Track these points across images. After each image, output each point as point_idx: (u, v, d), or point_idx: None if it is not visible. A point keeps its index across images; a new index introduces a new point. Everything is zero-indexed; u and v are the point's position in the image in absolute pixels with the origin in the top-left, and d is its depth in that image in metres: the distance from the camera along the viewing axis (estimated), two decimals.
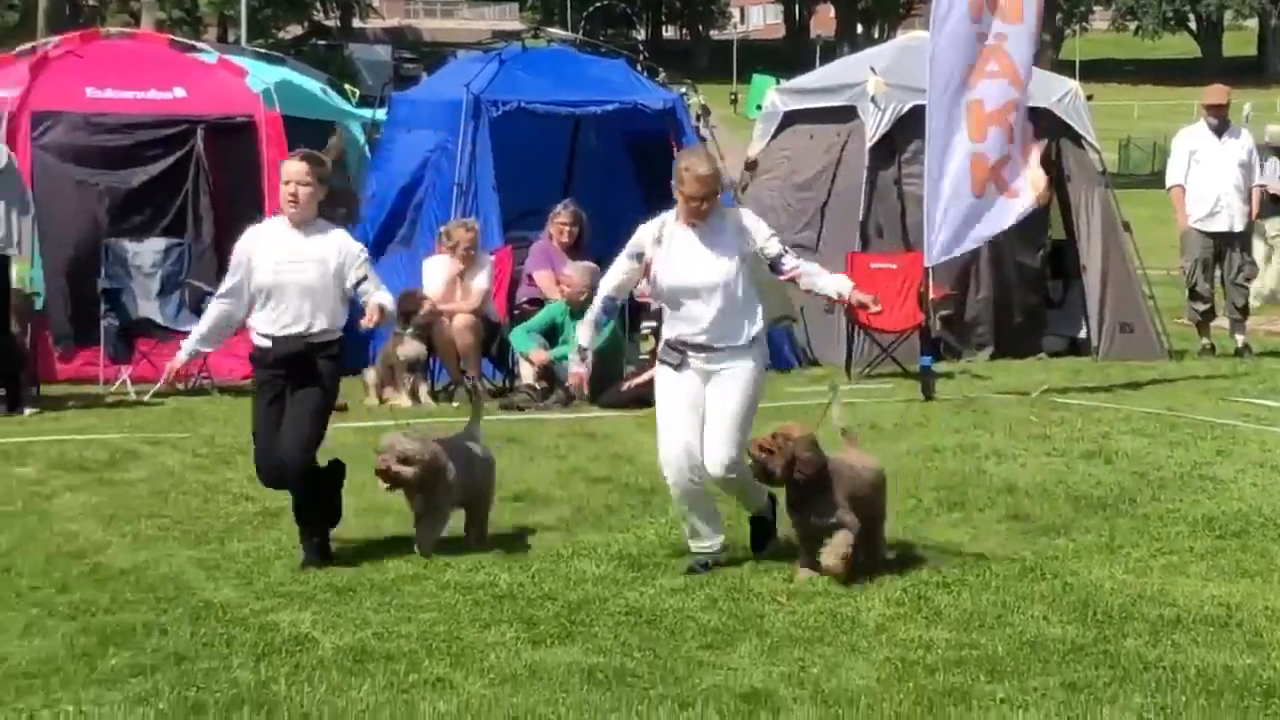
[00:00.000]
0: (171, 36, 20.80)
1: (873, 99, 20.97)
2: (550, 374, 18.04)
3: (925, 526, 12.43)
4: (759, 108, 26.89)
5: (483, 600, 10.47)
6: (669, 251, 10.69)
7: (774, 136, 22.83)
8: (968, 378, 20.10)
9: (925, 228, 18.38)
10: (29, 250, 17.76)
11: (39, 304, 18.73)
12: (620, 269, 10.97)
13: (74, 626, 10.02)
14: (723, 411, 10.78)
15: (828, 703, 8.62)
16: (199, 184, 19.44)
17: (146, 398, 18.28)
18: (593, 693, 8.68)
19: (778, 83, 25.50)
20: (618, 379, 18.32)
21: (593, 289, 18.24)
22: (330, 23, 50.02)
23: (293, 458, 10.98)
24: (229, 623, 9.99)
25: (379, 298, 11.10)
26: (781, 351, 20.45)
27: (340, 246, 11.14)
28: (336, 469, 11.65)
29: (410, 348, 17.87)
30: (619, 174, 21.93)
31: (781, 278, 10.79)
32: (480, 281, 18.37)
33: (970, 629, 9.84)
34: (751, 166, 22.80)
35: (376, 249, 19.43)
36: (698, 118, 21.44)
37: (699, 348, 10.76)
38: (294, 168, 11.10)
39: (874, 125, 21.00)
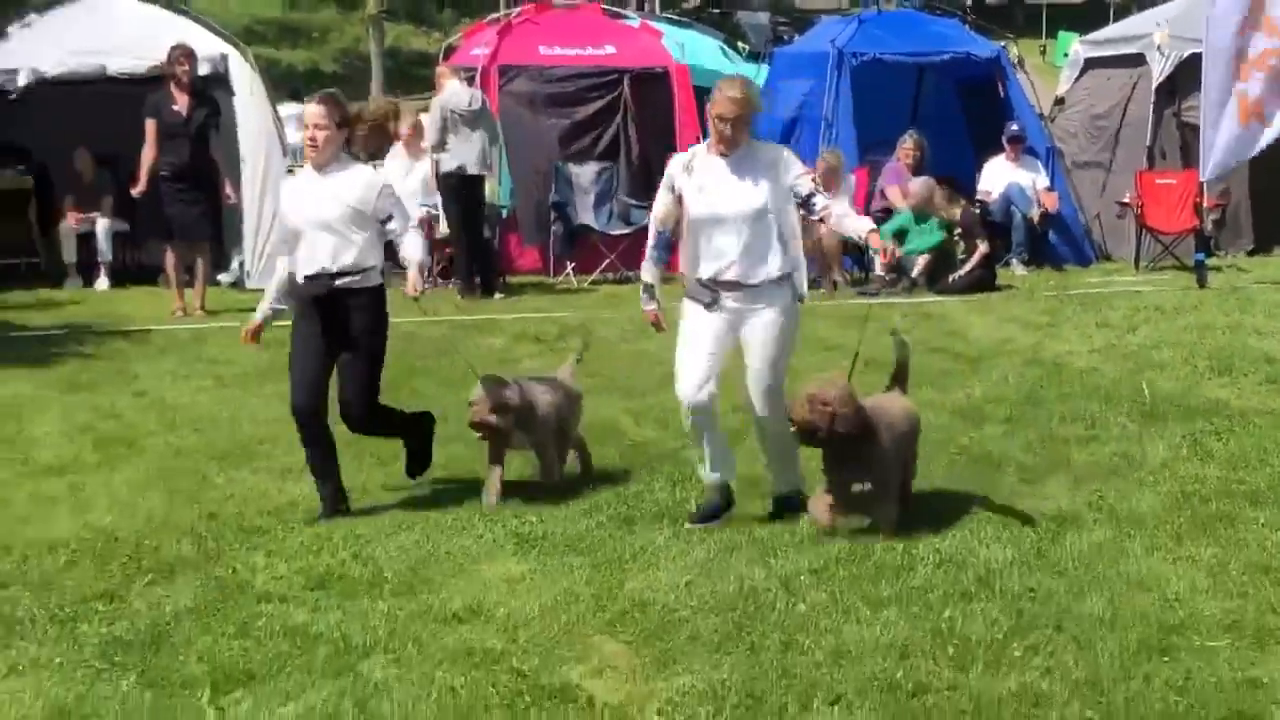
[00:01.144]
0: (604, 6, 21.31)
1: (1158, 48, 20.92)
2: (899, 267, 18.03)
3: (1199, 388, 12.51)
4: (1065, 55, 26.90)
5: None
6: (698, 180, 8.97)
7: (1077, 79, 22.72)
8: (1234, 270, 19.87)
9: (1200, 151, 18.63)
10: (499, 172, 18.50)
11: (505, 213, 19.30)
12: (661, 202, 9.17)
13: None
14: (761, 357, 9.00)
15: (1121, 523, 8.84)
16: (625, 120, 19.87)
17: (584, 285, 18.85)
18: None
19: (1080, 37, 25.39)
20: (950, 270, 18.78)
21: (931, 200, 18.91)
22: None
23: (353, 409, 9.44)
24: (651, 457, 10.53)
25: (414, 252, 9.31)
26: (1082, 248, 20.76)
27: (361, 182, 9.30)
28: (427, 419, 10.08)
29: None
30: (952, 111, 22.03)
31: (812, 217, 9.06)
32: (840, 193, 18.49)
33: (1236, 468, 10.01)
34: (1059, 103, 22.81)
35: None
36: (1016, 64, 21.58)
37: (730, 285, 8.93)
38: (312, 110, 9.30)
39: (1159, 69, 20.88)
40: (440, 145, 17.87)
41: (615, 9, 22.91)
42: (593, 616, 7.55)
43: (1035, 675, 6.71)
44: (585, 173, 19.46)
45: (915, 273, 18.55)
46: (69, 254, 18.96)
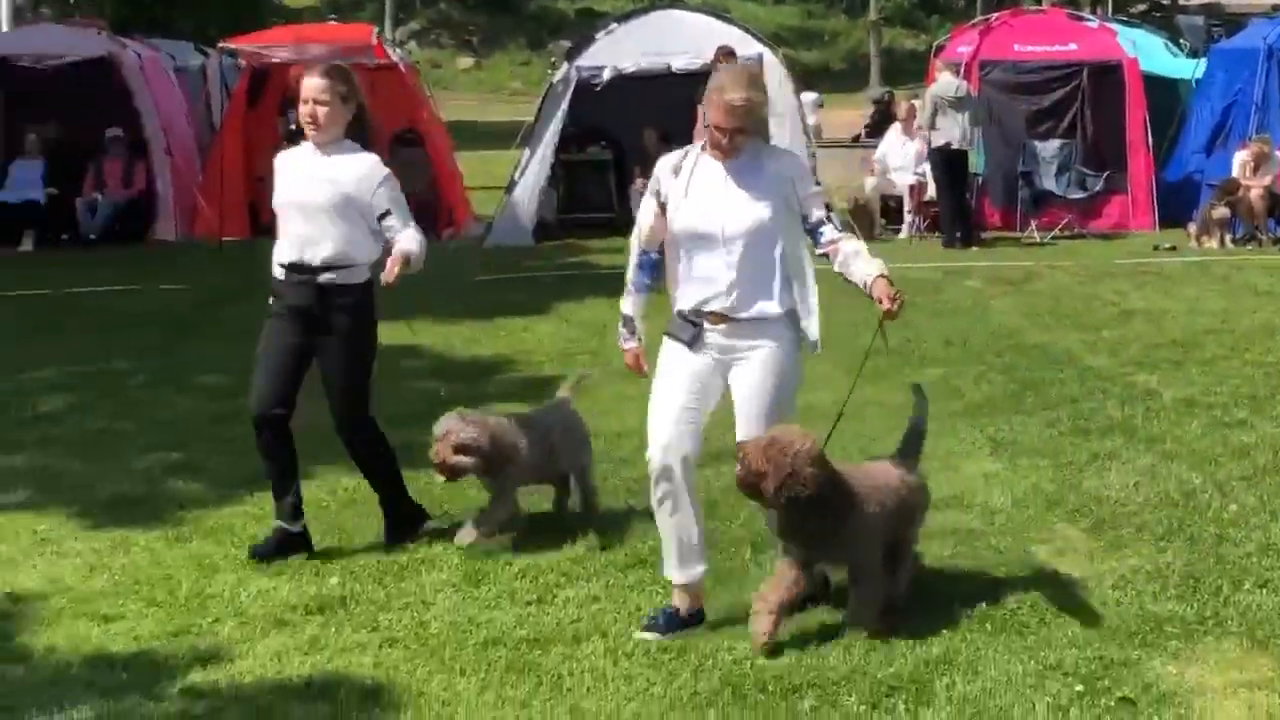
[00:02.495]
0: (1067, 11, 20.76)
1: None
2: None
3: None
4: None
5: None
6: (687, 186, 5.82)
7: None
8: None
9: None
10: (978, 146, 18.29)
11: (980, 180, 18.95)
12: (645, 212, 6.01)
13: (1002, 367, 10.51)
14: (748, 409, 5.82)
15: None
16: (1083, 105, 19.37)
17: (1045, 240, 18.38)
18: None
19: None
20: None
21: None
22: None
23: (341, 420, 6.87)
24: (1101, 379, 10.19)
25: (405, 242, 6.61)
26: None
27: (361, 169, 6.66)
28: (418, 516, 7.16)
29: (1219, 211, 17.64)
30: None
31: (818, 250, 5.84)
32: (1268, 168, 17.76)
33: None
34: None
35: (1207, 150, 19.32)
36: None
37: (718, 317, 5.79)
38: (312, 84, 6.67)
39: None
40: (931, 124, 17.82)
41: (1076, 12, 22.26)
42: (1055, 508, 7.40)
43: None
44: (1048, 148, 18.98)
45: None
46: (636, 211, 19.34)
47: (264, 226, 18.76)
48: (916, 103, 19.32)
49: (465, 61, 57.04)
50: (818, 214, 5.82)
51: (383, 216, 6.66)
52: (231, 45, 20.25)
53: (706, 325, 5.85)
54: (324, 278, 6.65)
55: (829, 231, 5.82)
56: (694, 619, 5.95)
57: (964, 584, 6.33)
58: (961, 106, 17.65)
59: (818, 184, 5.93)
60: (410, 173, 18.96)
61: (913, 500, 6.07)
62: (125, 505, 7.26)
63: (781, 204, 5.77)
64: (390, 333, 12.22)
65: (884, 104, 25.45)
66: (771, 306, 5.81)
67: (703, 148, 5.90)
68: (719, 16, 20.05)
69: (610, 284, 14.91)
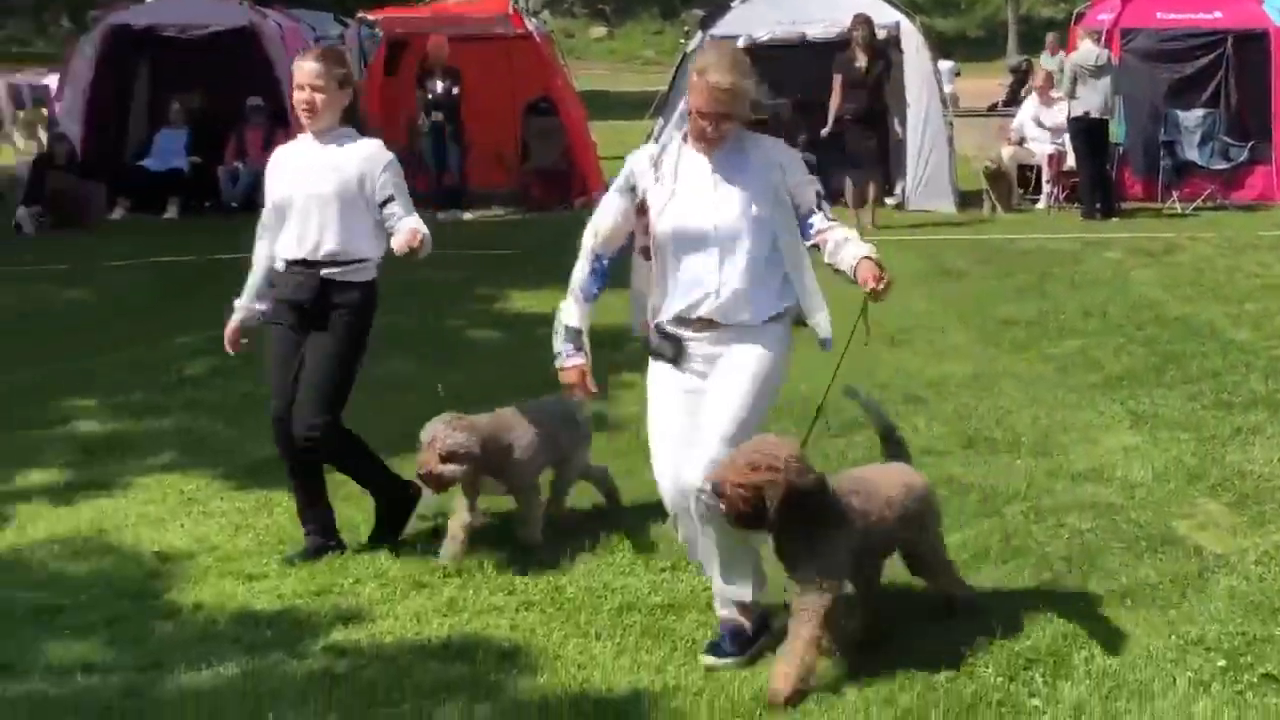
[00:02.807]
0: None
1: None
2: None
3: None
4: None
5: None
6: (671, 183, 5.24)
7: None
8: None
9: None
10: (1118, 115, 17.96)
11: (1121, 150, 18.54)
12: (609, 209, 5.41)
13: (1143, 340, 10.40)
14: (716, 409, 5.19)
15: None
16: (1227, 74, 18.92)
17: (1187, 211, 17.95)
18: None
19: None
20: None
21: None
22: None
23: (306, 422, 6.30)
24: (1245, 352, 9.95)
25: (411, 223, 6.16)
26: None
27: (365, 153, 6.28)
28: (407, 491, 6.74)
29: None
30: None
31: (807, 242, 5.27)
32: None
33: None
34: None
35: None
36: None
37: (703, 324, 5.24)
38: (306, 68, 6.26)
39: None
40: (1072, 93, 17.48)
41: None
42: (1197, 482, 7.28)
43: None
44: (1191, 118, 18.57)
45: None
46: None
47: None
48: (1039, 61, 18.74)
49: (598, 31, 57.21)
50: (808, 203, 5.25)
51: (385, 203, 6.24)
52: (370, 16, 20.47)
53: (688, 335, 5.28)
54: (326, 272, 6.29)
55: (819, 221, 5.25)
56: (761, 631, 5.45)
57: (1103, 558, 6.26)
58: (1101, 75, 17.32)
59: (810, 171, 5.36)
60: (544, 142, 19.22)
61: (919, 501, 5.46)
62: (268, 468, 7.40)
63: (772, 195, 5.23)
64: (524, 300, 12.41)
65: (1021, 72, 25.09)
66: (767, 307, 5.28)
67: (684, 138, 5.34)
68: None
69: None
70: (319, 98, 6.26)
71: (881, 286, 5.01)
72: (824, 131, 16.93)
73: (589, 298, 5.44)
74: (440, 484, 6.33)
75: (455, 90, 18.38)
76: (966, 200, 18.18)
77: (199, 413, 9.15)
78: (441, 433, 6.27)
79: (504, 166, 19.40)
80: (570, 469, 6.93)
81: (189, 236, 16.84)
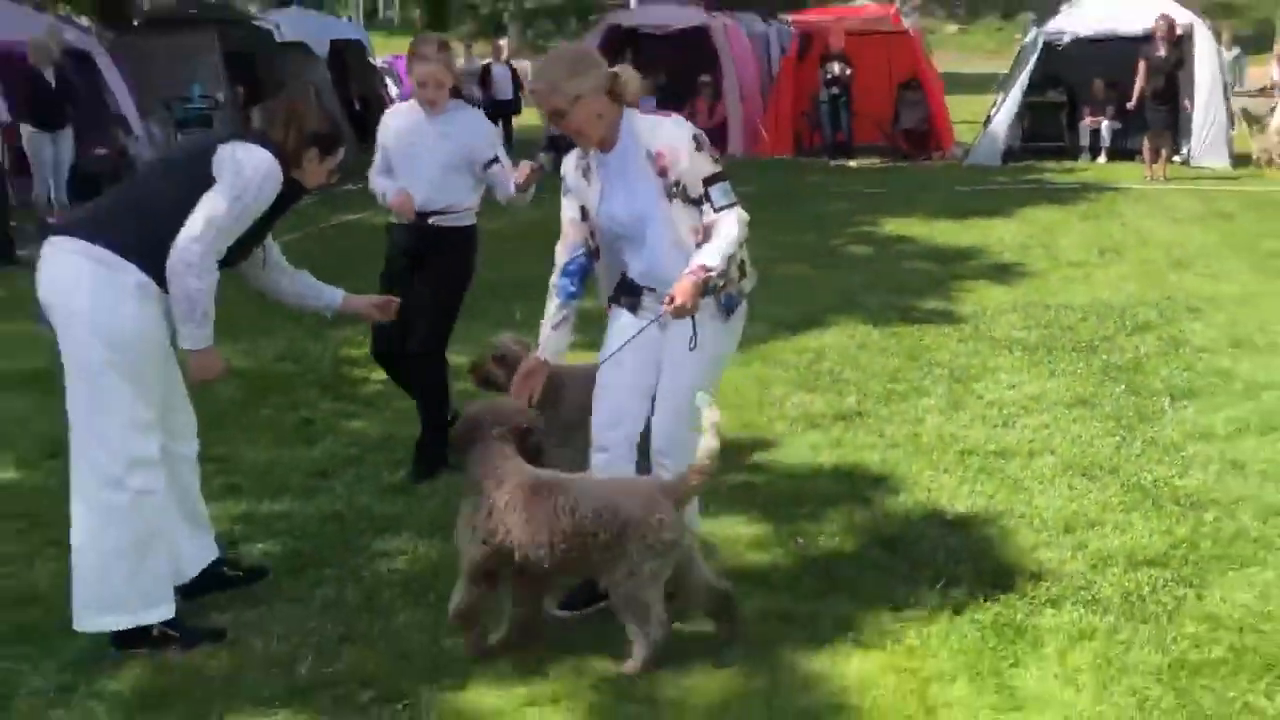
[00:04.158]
0: None
1: None
2: None
3: None
4: None
5: None
6: (600, 187, 4.02)
7: None
8: None
9: None
10: None
11: None
12: (563, 215, 4.14)
13: None
14: (667, 384, 3.99)
15: None
16: None
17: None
18: None
19: None
20: None
21: None
22: None
23: (413, 351, 5.42)
24: None
25: (511, 171, 5.32)
26: None
27: (472, 122, 5.38)
28: (438, 463, 5.48)
29: None
30: None
31: (702, 218, 3.89)
32: None
33: None
34: None
35: None
36: None
37: (650, 289, 4.03)
38: (426, 71, 5.24)
39: None
40: None
41: None
42: None
43: None
44: None
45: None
46: (1084, 141, 18.23)
47: (804, 149, 19.00)
48: None
49: (951, 28, 55.15)
50: (696, 190, 3.89)
51: (489, 164, 5.35)
52: (787, 17, 20.39)
53: (645, 295, 4.07)
54: (433, 220, 5.38)
55: (707, 212, 3.89)
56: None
57: None
58: None
59: (712, 156, 3.95)
60: (911, 110, 18.88)
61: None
62: None
63: (661, 181, 3.92)
64: (891, 224, 12.19)
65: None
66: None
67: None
68: None
69: (1062, 196, 14.24)
70: (440, 94, 5.36)
71: (669, 308, 3.74)
72: (1129, 104, 15.93)
73: (565, 295, 4.14)
74: (485, 382, 5.10)
75: (848, 71, 18.30)
76: (1239, 160, 16.63)
77: None
78: (503, 340, 5.13)
79: (881, 128, 19.10)
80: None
81: None
